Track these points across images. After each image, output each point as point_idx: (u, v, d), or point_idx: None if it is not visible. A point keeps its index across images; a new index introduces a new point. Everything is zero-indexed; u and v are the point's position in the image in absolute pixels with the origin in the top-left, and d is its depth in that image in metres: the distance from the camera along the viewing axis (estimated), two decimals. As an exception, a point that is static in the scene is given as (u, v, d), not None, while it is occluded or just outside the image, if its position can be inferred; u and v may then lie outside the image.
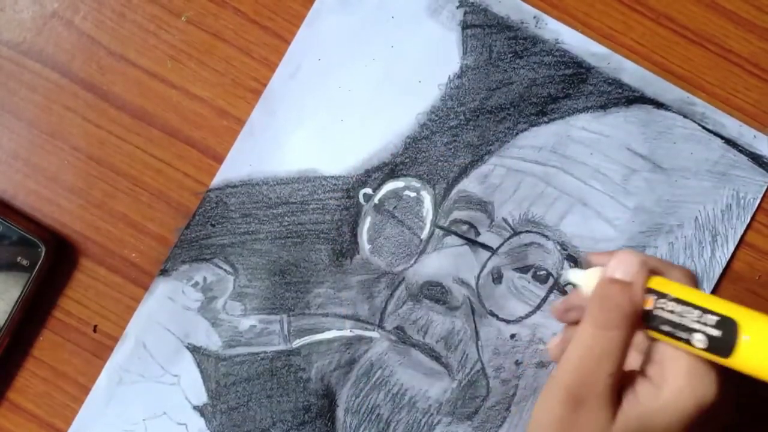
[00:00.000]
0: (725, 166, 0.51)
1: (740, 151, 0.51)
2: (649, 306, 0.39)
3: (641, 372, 0.40)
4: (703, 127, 0.52)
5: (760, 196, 0.51)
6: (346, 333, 0.51)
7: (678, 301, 0.38)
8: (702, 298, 0.38)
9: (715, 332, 0.37)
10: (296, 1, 0.52)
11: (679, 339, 0.38)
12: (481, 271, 0.51)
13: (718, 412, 0.38)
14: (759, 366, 0.36)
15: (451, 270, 0.51)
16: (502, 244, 0.51)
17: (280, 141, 0.52)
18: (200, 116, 0.52)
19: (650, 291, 0.39)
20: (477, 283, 0.51)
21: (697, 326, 0.38)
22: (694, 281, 0.41)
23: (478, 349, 0.51)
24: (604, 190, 0.51)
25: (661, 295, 0.39)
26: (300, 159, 0.52)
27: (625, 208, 0.51)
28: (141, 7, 0.52)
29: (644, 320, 0.39)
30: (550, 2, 0.52)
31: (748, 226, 0.51)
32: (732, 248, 0.51)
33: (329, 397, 0.51)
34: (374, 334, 0.51)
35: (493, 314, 0.51)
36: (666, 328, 0.39)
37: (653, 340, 0.40)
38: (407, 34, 0.52)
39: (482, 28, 0.52)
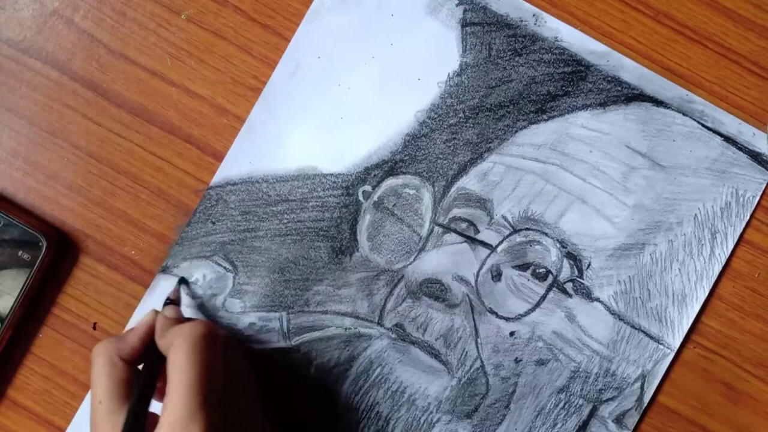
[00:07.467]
0: (724, 164, 0.51)
1: (739, 148, 0.51)
2: None
3: None
4: (703, 125, 0.52)
5: (760, 193, 0.51)
6: (346, 330, 0.51)
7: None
8: None
9: None
10: (296, 0, 0.52)
11: None
12: (480, 269, 0.51)
13: None
14: None
15: (451, 267, 0.51)
16: (501, 242, 0.51)
17: (280, 139, 0.52)
18: (200, 114, 0.52)
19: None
20: (476, 281, 0.51)
21: None
22: None
23: (477, 347, 0.51)
24: (604, 188, 0.51)
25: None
26: (300, 157, 0.52)
27: (625, 206, 0.51)
28: (141, 6, 0.52)
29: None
30: (550, 0, 0.52)
31: (748, 224, 0.51)
32: (731, 246, 0.51)
33: (328, 395, 0.51)
34: (374, 332, 0.51)
35: (492, 312, 0.51)
36: None
37: None
38: (407, 32, 0.52)
39: (481, 26, 0.52)
